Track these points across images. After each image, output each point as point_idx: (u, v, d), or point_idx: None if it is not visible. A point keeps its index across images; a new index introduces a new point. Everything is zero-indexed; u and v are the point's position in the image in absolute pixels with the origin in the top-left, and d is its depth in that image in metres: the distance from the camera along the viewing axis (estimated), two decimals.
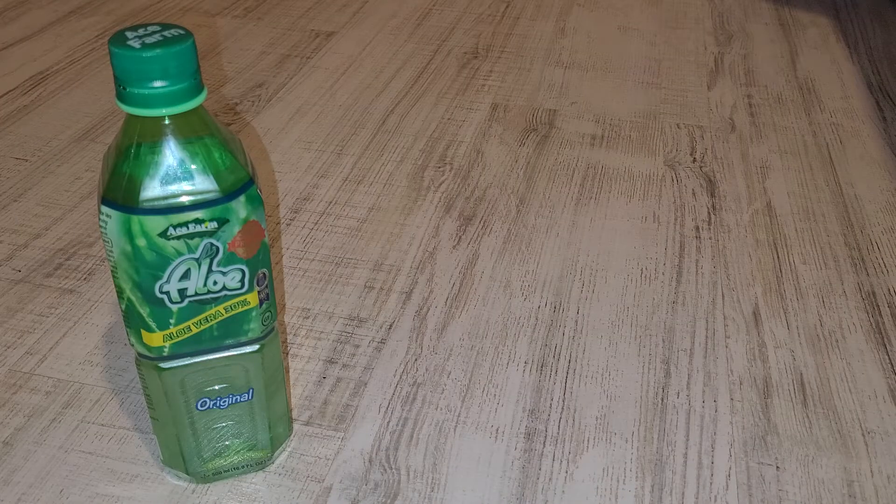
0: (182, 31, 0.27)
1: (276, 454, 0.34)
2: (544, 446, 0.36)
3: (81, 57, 0.69)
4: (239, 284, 0.29)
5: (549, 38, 0.76)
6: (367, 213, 0.51)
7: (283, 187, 0.53)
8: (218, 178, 0.27)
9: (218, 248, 0.28)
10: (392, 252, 0.48)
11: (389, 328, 0.42)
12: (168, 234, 0.27)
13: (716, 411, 0.38)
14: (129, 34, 0.27)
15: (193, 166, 0.27)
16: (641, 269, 0.47)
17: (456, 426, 0.37)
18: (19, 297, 0.44)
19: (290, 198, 0.53)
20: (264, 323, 0.30)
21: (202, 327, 0.29)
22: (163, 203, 0.26)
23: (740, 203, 0.53)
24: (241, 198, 0.27)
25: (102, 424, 0.36)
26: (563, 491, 0.34)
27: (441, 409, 0.37)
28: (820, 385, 0.39)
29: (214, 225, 0.27)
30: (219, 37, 0.73)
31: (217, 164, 0.27)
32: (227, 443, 0.33)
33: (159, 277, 0.27)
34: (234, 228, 0.27)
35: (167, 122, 0.27)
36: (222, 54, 0.70)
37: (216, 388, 0.31)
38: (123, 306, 0.29)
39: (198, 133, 0.27)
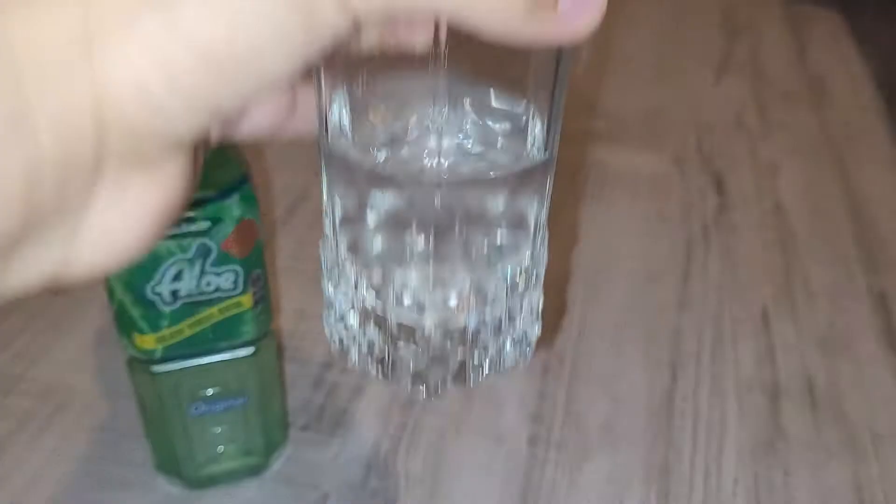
0: None
1: (271, 460, 0.34)
2: (547, 452, 0.35)
3: None
4: (233, 285, 0.28)
5: None
6: None
7: (279, 186, 0.53)
8: (211, 176, 0.26)
9: (211, 248, 0.27)
10: None
11: None
12: None
13: (723, 416, 0.37)
14: None
15: None
16: (647, 270, 0.46)
17: (456, 432, 0.36)
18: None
19: (286, 196, 0.52)
20: (259, 325, 0.30)
21: (195, 329, 0.28)
22: None
23: (748, 202, 0.52)
24: (235, 196, 0.27)
25: (94, 429, 0.35)
26: (567, 498, 0.33)
27: (441, 414, 0.37)
28: (829, 389, 0.39)
29: (207, 224, 0.26)
30: None
31: (210, 161, 0.26)
32: (221, 448, 0.32)
33: (151, 278, 0.27)
34: (228, 228, 0.27)
35: None
36: None
37: (210, 392, 0.30)
38: (115, 308, 0.28)
39: None
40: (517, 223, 0.20)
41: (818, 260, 0.47)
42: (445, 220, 0.18)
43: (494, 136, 0.20)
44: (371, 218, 0.19)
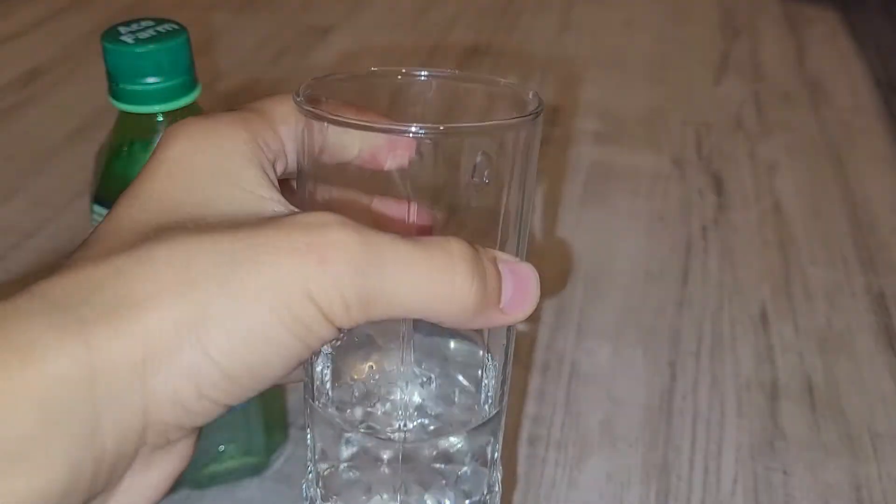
0: (176, 26, 0.27)
1: (272, 459, 0.34)
2: (547, 452, 0.35)
3: (74, 53, 0.68)
4: None
5: (553, 33, 0.75)
6: None
7: None
8: None
9: None
10: None
11: None
12: None
13: (722, 415, 0.37)
14: (122, 29, 0.26)
15: None
16: (646, 270, 0.46)
17: None
18: None
19: None
20: None
21: None
22: None
23: (748, 202, 0.52)
24: None
25: None
26: (567, 498, 0.33)
27: None
28: (828, 388, 0.39)
29: None
30: (213, 31, 0.72)
31: None
32: (221, 447, 0.32)
33: None
34: None
35: (161, 119, 0.26)
36: (217, 49, 0.69)
37: None
38: None
39: None
40: (475, 460, 0.23)
41: (817, 260, 0.47)
42: (410, 462, 0.22)
43: (453, 396, 0.23)
44: (344, 459, 0.22)
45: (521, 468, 0.34)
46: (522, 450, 0.35)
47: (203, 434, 0.31)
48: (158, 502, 0.18)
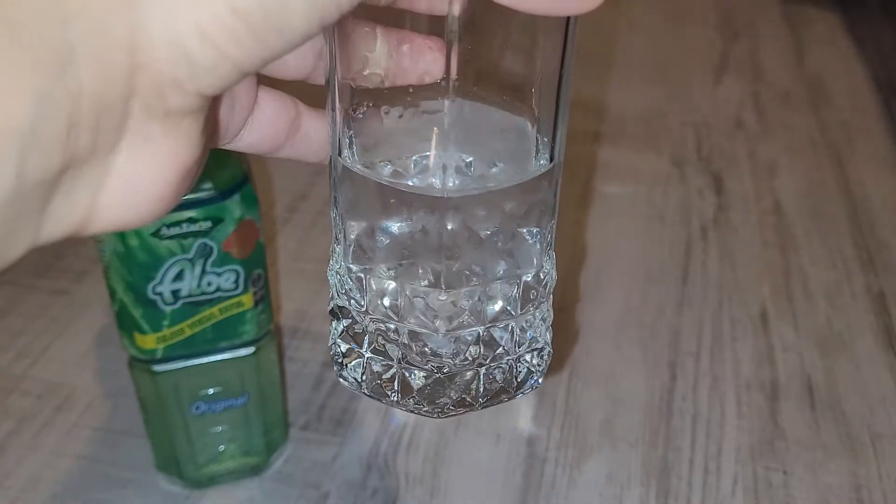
0: None
1: (271, 459, 0.34)
2: (547, 452, 0.35)
3: None
4: (233, 285, 0.28)
5: None
6: None
7: (279, 185, 0.53)
8: (212, 176, 0.26)
9: (212, 248, 0.27)
10: None
11: None
12: (161, 233, 0.26)
13: (722, 415, 0.37)
14: None
15: None
16: (646, 270, 0.46)
17: (456, 431, 0.36)
18: (9, 299, 0.43)
19: (286, 196, 0.52)
20: (260, 325, 0.30)
21: (196, 329, 0.28)
22: None
23: (747, 202, 0.52)
24: (236, 196, 0.27)
25: (95, 428, 0.35)
26: (566, 498, 0.33)
27: None
28: (828, 388, 0.39)
29: (208, 224, 0.26)
30: None
31: (211, 161, 0.26)
32: (221, 448, 0.32)
33: (152, 278, 0.27)
34: (229, 228, 0.27)
35: None
36: None
37: (210, 391, 0.30)
38: (116, 308, 0.28)
39: None
40: (526, 232, 0.20)
41: (817, 260, 0.47)
42: (456, 230, 0.19)
43: (501, 147, 0.20)
44: (383, 231, 0.20)
45: (520, 468, 0.34)
46: (522, 449, 0.35)
47: (202, 434, 0.31)
48: (161, 206, 0.15)
